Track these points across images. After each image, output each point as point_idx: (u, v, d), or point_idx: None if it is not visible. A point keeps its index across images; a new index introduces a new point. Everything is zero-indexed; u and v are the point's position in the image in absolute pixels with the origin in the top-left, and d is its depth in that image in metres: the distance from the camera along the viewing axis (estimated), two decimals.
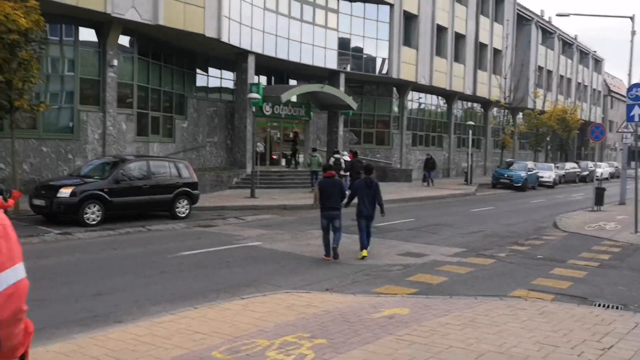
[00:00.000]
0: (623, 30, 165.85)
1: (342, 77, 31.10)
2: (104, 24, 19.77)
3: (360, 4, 31.96)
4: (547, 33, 56.18)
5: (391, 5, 33.00)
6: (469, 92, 41.63)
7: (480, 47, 43.25)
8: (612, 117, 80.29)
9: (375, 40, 32.75)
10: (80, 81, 19.75)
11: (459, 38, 40.30)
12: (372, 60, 32.98)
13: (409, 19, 34.91)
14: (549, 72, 55.88)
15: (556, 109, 47.59)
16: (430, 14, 36.34)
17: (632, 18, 23.06)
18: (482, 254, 12.12)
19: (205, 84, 26.99)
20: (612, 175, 51.91)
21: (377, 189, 11.21)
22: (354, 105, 30.19)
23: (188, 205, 16.06)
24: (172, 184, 15.68)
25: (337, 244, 10.91)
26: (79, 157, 19.57)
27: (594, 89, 70.37)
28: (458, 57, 40.29)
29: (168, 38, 22.88)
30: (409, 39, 35.06)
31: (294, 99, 29.64)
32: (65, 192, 13.40)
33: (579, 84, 64.52)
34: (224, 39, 23.29)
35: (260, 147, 28.87)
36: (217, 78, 27.60)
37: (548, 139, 48.19)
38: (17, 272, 1.93)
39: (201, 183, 22.58)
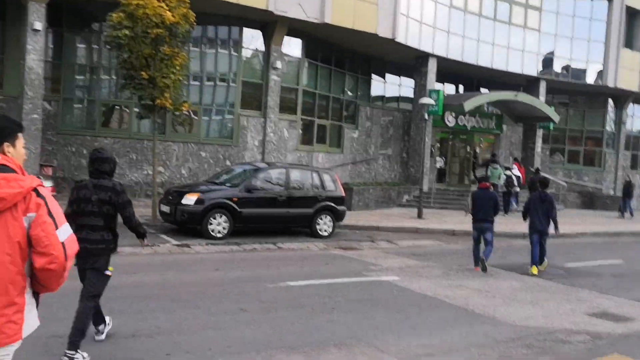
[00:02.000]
0: None
1: (542, 85, 26.69)
2: (268, 23, 18.68)
3: (570, 0, 27.24)
4: None
5: (610, 1, 27.66)
6: None
7: None
8: None
9: (586, 42, 27.67)
10: (242, 84, 18.87)
11: None
12: (583, 65, 27.88)
13: (634, 17, 29.04)
14: None
15: None
16: None
17: None
18: None
19: (380, 91, 24.81)
20: None
21: (552, 203, 11.26)
22: (556, 117, 25.61)
23: (331, 223, 13.86)
24: (313, 196, 13.64)
25: (486, 257, 10.86)
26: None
27: None
28: None
29: (339, 40, 21.20)
30: (631, 40, 29.17)
31: (481, 108, 26.14)
32: (190, 199, 12.08)
33: None
34: (400, 39, 20.90)
35: (440, 162, 25.87)
36: (395, 85, 25.25)
37: None
38: (68, 227, 2.80)
39: (364, 198, 20.47)
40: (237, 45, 18.83)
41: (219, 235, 12.21)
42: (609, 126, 30.67)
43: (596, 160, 30.69)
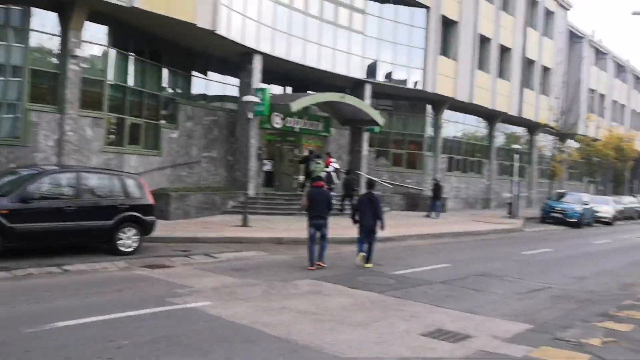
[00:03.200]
0: None
1: (367, 89, 26.70)
2: (65, 4, 15.88)
3: (391, 6, 27.66)
4: (600, 54, 50.87)
5: (428, 8, 28.61)
6: (514, 112, 36.66)
7: (528, 63, 38.38)
8: None
9: (408, 47, 28.31)
10: (31, 74, 15.81)
11: (505, 51, 35.54)
12: (404, 70, 28.48)
13: (449, 26, 30.42)
14: (602, 95, 50.50)
15: (612, 136, 42.23)
16: (472, 22, 31.79)
17: None
18: (560, 338, 7.42)
19: (203, 89, 22.85)
20: None
21: (378, 203, 12.04)
22: (381, 120, 25.71)
23: (137, 237, 11.71)
24: (112, 206, 11.36)
25: (323, 254, 11.62)
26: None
27: None
28: (503, 73, 35.49)
29: (154, 29, 18.93)
30: (447, 48, 30.54)
31: (310, 110, 25.40)
32: None
33: (633, 110, 58.80)
34: (222, 32, 19.21)
35: (268, 166, 24.62)
36: (219, 83, 23.46)
37: (602, 169, 42.74)
38: None
39: (184, 206, 18.42)
40: (24, 27, 15.74)
41: None
42: (429, 131, 31.86)
43: (417, 163, 31.68)
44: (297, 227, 17.68)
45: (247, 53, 21.47)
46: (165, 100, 20.74)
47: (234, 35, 20.07)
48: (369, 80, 26.69)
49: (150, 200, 12.10)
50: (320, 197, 11.56)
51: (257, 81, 21.79)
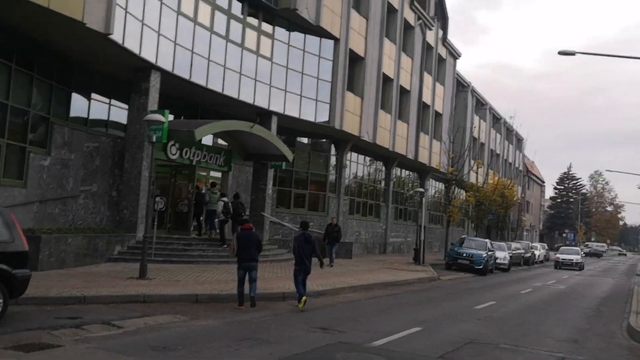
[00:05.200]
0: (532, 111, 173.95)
1: (274, 120, 24.02)
2: None
3: (299, 34, 25.50)
4: (480, 104, 52.86)
5: (336, 40, 26.83)
6: (410, 156, 35.85)
7: (423, 107, 38.09)
8: (528, 197, 78.65)
9: (315, 79, 26.17)
10: None
11: (404, 93, 34.80)
12: (312, 104, 26.22)
13: (355, 62, 28.85)
14: (482, 144, 52.19)
15: (499, 183, 43.17)
16: (376, 60, 30.58)
17: None
18: None
19: (84, 109, 18.80)
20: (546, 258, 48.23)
21: (315, 243, 12.05)
22: (290, 155, 23.13)
23: (0, 300, 7.84)
24: None
25: (254, 293, 11.29)
26: None
27: (517, 167, 68.12)
28: (402, 115, 34.65)
29: (28, 28, 14.99)
30: (353, 84, 28.90)
31: (208, 140, 22.15)
32: None
33: (505, 160, 61.78)
34: (116, 37, 15.70)
35: (161, 204, 20.80)
36: (104, 104, 19.53)
37: (490, 215, 43.35)
38: None
39: (59, 251, 14.30)
40: None
41: None
42: (333, 171, 29.79)
43: (320, 204, 29.34)
44: (207, 278, 14.36)
45: (144, 68, 18.02)
46: (35, 118, 16.56)
47: (131, 44, 16.60)
48: (276, 111, 24.04)
49: (24, 245, 8.28)
50: (250, 240, 11.46)
51: (153, 102, 18.31)
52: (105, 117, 19.55)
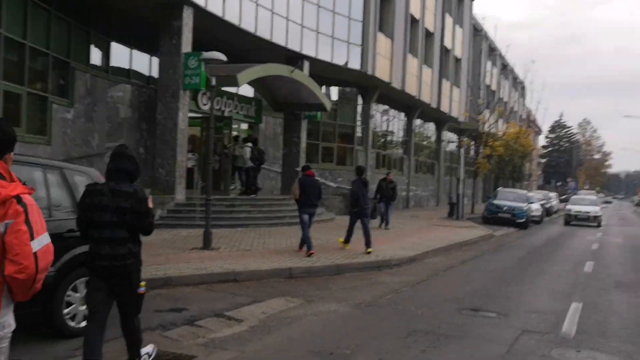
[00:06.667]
0: None
1: (306, 66, 21.52)
2: None
3: None
4: (491, 49, 50.48)
5: None
6: (433, 104, 33.68)
7: (445, 52, 35.68)
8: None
9: (347, 19, 23.64)
10: None
11: (428, 36, 32.35)
12: (343, 46, 23.71)
13: (384, 1, 26.27)
14: (493, 92, 50.08)
15: (521, 131, 41.35)
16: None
17: None
18: None
19: (105, 53, 16.25)
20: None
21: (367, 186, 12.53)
22: (328, 104, 20.86)
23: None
24: (55, 234, 5.29)
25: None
26: None
27: (520, 116, 66.36)
28: (427, 60, 32.28)
29: None
30: (383, 25, 26.36)
31: (239, 90, 19.76)
32: None
33: (512, 108, 59.91)
34: None
35: (192, 161, 18.60)
36: (127, 46, 16.95)
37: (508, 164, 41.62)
38: (47, 236, 2.72)
39: None
40: None
41: None
42: (360, 122, 27.58)
43: (347, 159, 27.25)
44: (275, 246, 12.38)
45: (176, 3, 15.42)
46: (56, 63, 14.04)
47: None
48: (308, 55, 21.56)
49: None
50: (312, 186, 11.53)
51: (187, 43, 15.82)
52: (127, 64, 17.05)
